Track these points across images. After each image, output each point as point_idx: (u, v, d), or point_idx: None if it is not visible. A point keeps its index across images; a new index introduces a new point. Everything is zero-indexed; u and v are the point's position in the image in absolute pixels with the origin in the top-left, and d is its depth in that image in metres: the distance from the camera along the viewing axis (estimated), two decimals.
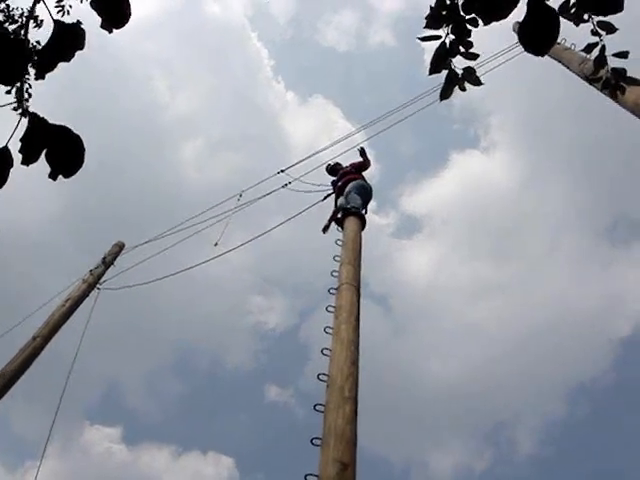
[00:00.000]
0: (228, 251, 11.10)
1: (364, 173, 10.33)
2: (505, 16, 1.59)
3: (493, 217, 34.03)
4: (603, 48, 3.34)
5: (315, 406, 5.18)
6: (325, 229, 9.93)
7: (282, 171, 11.51)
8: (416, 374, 31.23)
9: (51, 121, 1.29)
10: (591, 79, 3.81)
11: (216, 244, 10.84)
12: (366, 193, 9.61)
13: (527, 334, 29.58)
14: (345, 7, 41.64)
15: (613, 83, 3.76)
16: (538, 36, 1.58)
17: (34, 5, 1.29)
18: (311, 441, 4.85)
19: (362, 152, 10.51)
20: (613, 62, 3.59)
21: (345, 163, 10.72)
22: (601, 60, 3.38)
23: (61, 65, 1.42)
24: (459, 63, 3.35)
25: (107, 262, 11.89)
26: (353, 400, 5.09)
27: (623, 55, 3.56)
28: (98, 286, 11.54)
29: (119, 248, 12.41)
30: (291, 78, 43.38)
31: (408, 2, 35.80)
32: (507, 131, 35.01)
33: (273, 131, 35.45)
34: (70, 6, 8.99)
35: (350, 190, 9.46)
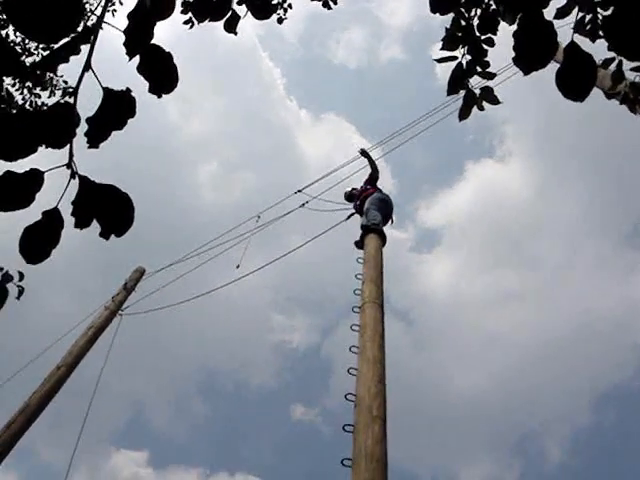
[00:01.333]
0: (249, 273, 11.12)
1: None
2: (544, 65, 1.62)
3: (511, 225, 33.93)
4: (620, 63, 3.34)
5: (344, 426, 5.17)
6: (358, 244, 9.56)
7: (299, 191, 11.56)
8: (441, 387, 31.08)
9: (98, 180, 1.32)
10: (609, 94, 3.79)
11: (238, 266, 10.86)
12: (385, 205, 9.58)
13: (551, 342, 29.35)
14: (354, 24, 41.83)
15: (632, 98, 3.75)
16: (577, 82, 1.61)
17: (83, 73, 1.32)
18: (342, 462, 4.83)
19: (363, 153, 10.58)
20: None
21: (361, 181, 10.72)
22: (619, 75, 3.38)
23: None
24: (476, 82, 3.38)
25: (128, 288, 11.94)
26: (382, 419, 5.07)
27: None
28: (120, 312, 11.59)
29: (140, 274, 12.45)
30: (304, 96, 43.69)
31: (416, 16, 35.94)
32: (522, 139, 34.95)
33: (288, 150, 35.62)
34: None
35: (368, 207, 9.37)
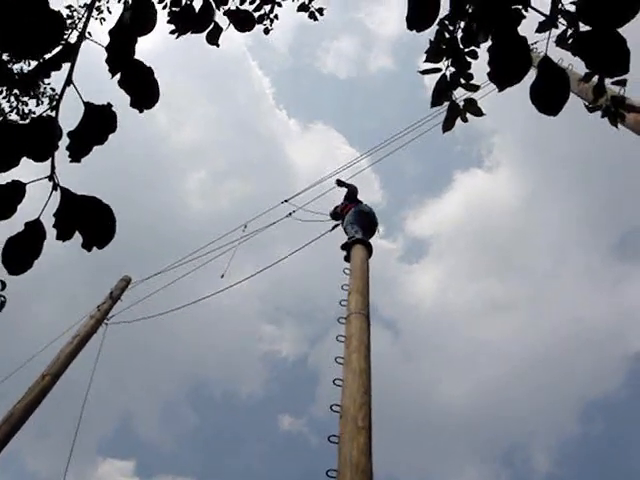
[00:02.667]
0: (237, 283, 11.10)
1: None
2: (518, 81, 1.64)
3: (500, 235, 34.04)
4: (602, 76, 3.36)
5: (329, 437, 5.16)
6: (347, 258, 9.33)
7: (286, 201, 11.55)
8: (428, 397, 31.07)
9: (79, 192, 1.33)
10: (591, 107, 3.83)
11: (222, 276, 10.85)
12: (363, 216, 9.65)
13: (539, 351, 29.41)
14: (344, 34, 41.93)
15: (613, 111, 3.78)
16: (550, 97, 1.63)
17: (64, 88, 1.33)
18: (327, 473, 4.81)
19: (339, 183, 10.72)
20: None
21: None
22: (600, 88, 3.40)
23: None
24: (460, 93, 3.41)
25: (114, 297, 11.89)
26: (367, 430, 5.07)
27: (622, 83, 3.59)
28: (106, 321, 11.53)
29: (126, 283, 12.41)
30: (293, 106, 43.80)
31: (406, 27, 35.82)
32: (510, 149, 35.08)
33: (277, 159, 35.64)
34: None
35: (347, 223, 9.52)
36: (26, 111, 8.65)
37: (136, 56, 1.50)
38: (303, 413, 33.46)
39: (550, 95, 1.64)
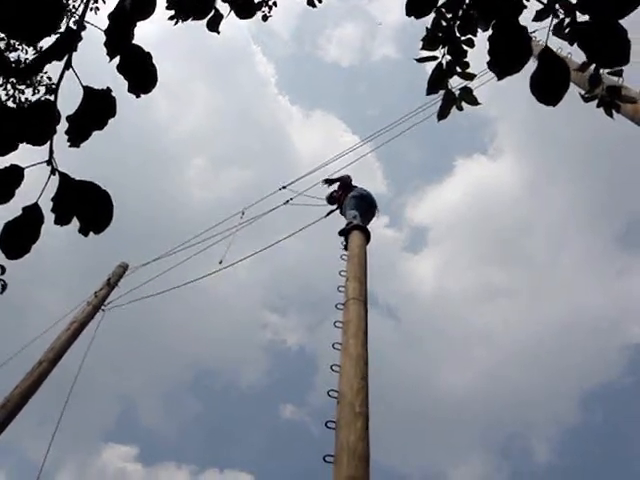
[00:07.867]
0: (231, 265, 11.09)
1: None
2: (518, 70, 1.65)
3: (500, 222, 33.96)
4: (599, 67, 3.35)
5: (327, 423, 5.18)
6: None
7: (284, 187, 11.54)
8: (428, 385, 31.11)
9: (77, 177, 1.34)
10: (586, 97, 3.82)
11: (221, 262, 10.85)
12: (359, 201, 9.64)
13: (538, 340, 29.40)
14: (347, 21, 41.71)
15: (608, 101, 3.77)
16: (550, 88, 1.64)
17: (63, 72, 1.33)
18: (324, 458, 4.84)
19: (327, 181, 10.74)
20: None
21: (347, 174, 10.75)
22: (596, 79, 3.39)
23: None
24: (458, 82, 3.41)
25: (111, 283, 11.90)
26: (364, 416, 5.09)
27: (618, 74, 3.58)
28: (103, 307, 11.55)
29: (123, 269, 12.42)
30: (296, 93, 43.73)
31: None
32: (513, 136, 34.92)
33: (279, 145, 35.48)
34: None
35: (344, 211, 9.57)
36: (22, 99, 8.63)
37: (137, 41, 1.51)
38: (304, 401, 33.53)
39: (550, 85, 1.64)
